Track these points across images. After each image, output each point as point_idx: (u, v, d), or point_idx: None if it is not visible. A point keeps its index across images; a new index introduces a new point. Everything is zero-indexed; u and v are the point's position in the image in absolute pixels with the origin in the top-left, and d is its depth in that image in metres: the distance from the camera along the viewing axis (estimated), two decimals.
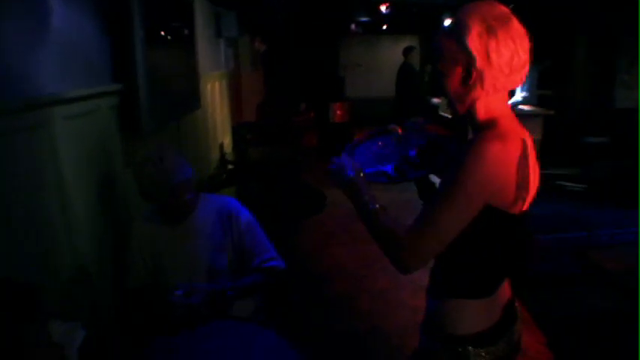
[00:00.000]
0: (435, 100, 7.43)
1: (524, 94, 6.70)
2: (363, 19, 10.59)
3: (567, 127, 7.23)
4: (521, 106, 6.49)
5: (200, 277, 2.04)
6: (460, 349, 1.36)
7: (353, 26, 11.28)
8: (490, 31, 1.23)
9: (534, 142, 1.33)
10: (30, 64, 1.81)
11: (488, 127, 1.29)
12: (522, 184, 1.24)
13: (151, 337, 1.86)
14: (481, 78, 1.27)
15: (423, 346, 1.49)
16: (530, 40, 1.29)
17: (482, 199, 1.22)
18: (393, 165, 1.67)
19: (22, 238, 1.70)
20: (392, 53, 12.66)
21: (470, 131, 1.37)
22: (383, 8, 7.90)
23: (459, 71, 1.29)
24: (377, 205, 1.36)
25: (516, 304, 1.51)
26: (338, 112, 9.46)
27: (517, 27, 1.27)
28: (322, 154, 8.61)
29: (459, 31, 1.26)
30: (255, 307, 2.23)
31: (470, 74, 1.27)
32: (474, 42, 1.24)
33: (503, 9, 1.28)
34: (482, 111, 1.31)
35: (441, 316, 1.41)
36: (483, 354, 1.36)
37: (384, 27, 11.46)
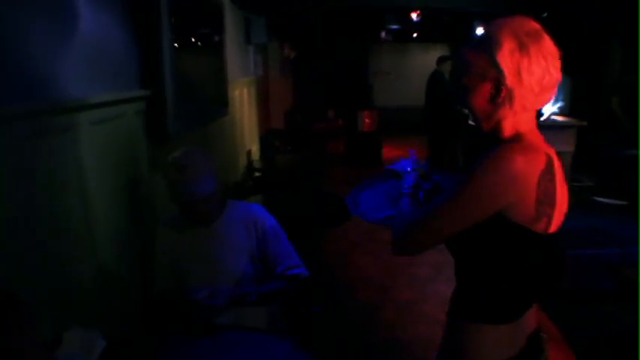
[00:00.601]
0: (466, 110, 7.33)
1: (560, 104, 6.56)
2: (394, 26, 10.54)
3: (601, 139, 7.05)
4: (554, 117, 6.34)
5: (223, 283, 2.03)
6: None
7: (383, 34, 11.24)
8: (522, 48, 1.19)
9: (566, 154, 1.28)
10: (57, 67, 1.82)
11: (512, 141, 1.25)
12: (545, 199, 1.18)
13: (169, 342, 1.85)
14: (510, 96, 1.23)
15: None
16: (561, 55, 1.25)
17: (489, 205, 1.17)
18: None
19: (45, 241, 1.70)
20: (422, 61, 12.56)
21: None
22: (414, 16, 7.85)
23: (487, 88, 1.24)
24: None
25: (543, 334, 1.41)
26: (366, 120, 9.42)
27: (549, 44, 1.22)
28: (349, 162, 8.57)
29: (489, 46, 1.22)
30: (272, 316, 2.20)
31: (499, 92, 1.23)
32: (504, 58, 1.20)
33: (536, 25, 1.24)
34: (508, 129, 1.27)
35: (460, 343, 1.33)
36: None
37: (415, 35, 11.38)
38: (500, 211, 1.18)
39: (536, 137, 1.27)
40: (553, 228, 1.24)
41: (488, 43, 1.22)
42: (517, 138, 1.25)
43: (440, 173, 1.93)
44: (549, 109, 6.52)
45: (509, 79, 1.21)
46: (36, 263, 1.64)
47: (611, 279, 3.62)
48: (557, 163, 1.24)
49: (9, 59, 1.54)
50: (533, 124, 1.29)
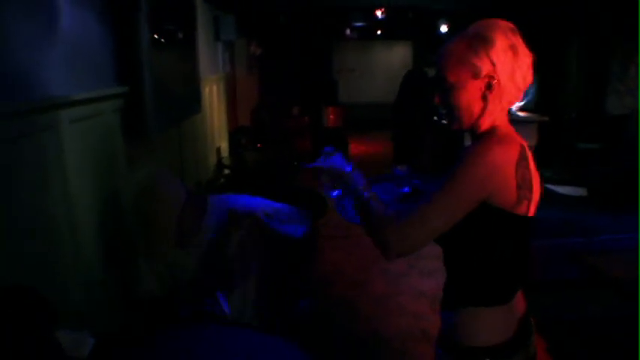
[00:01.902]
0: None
1: (527, 98, 6.75)
2: (358, 24, 10.62)
3: (562, 134, 7.31)
4: (517, 112, 6.53)
5: (213, 282, 2.02)
6: None
7: (348, 31, 11.30)
8: (513, 47, 1.27)
9: (530, 148, 1.35)
10: (37, 66, 1.80)
11: (488, 134, 1.32)
12: (523, 184, 1.26)
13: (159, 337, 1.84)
14: (501, 93, 1.29)
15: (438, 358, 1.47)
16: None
17: (477, 197, 1.24)
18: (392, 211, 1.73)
19: (28, 239, 1.68)
20: (386, 58, 12.73)
21: (465, 140, 1.38)
22: (379, 13, 7.92)
23: (478, 85, 1.29)
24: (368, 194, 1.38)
25: (531, 318, 1.49)
26: (331, 116, 9.48)
27: (524, 45, 1.30)
28: (317, 159, 8.60)
29: (484, 45, 1.26)
30: (261, 310, 2.21)
31: (491, 88, 1.28)
32: (499, 57, 1.26)
33: (515, 27, 1.31)
34: (487, 123, 1.33)
35: (457, 328, 1.38)
36: None
37: (379, 32, 11.49)
38: (484, 199, 1.24)
39: (508, 129, 1.34)
40: (532, 211, 1.32)
41: (483, 42, 1.27)
42: (492, 131, 1.32)
43: (420, 177, 2.01)
44: (517, 104, 6.72)
45: (504, 77, 1.27)
46: (19, 261, 1.61)
47: (576, 267, 3.75)
48: (528, 151, 1.32)
49: None
50: (506, 117, 1.36)
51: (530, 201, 1.29)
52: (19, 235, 1.62)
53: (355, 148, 9.66)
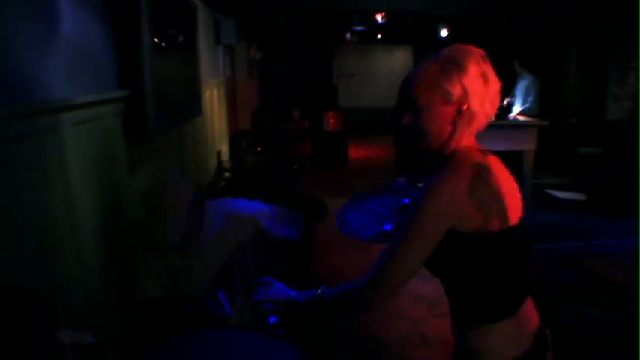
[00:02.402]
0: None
1: (528, 104, 6.76)
2: (359, 28, 10.65)
3: (561, 138, 7.33)
4: (517, 117, 6.55)
5: (214, 284, 2.04)
6: None
7: (348, 35, 11.33)
8: (484, 75, 1.30)
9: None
10: (39, 69, 1.81)
11: (447, 161, 1.33)
12: (482, 204, 1.26)
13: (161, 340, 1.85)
14: (470, 119, 1.31)
15: None
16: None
17: (441, 230, 1.26)
18: (392, 225, 1.75)
19: (30, 240, 1.69)
20: (386, 63, 12.77)
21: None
22: (379, 18, 7.93)
23: (448, 110, 1.30)
24: (317, 291, 1.47)
25: (547, 331, 1.47)
26: (331, 120, 9.50)
27: (494, 72, 1.33)
28: (317, 163, 8.62)
29: (457, 71, 1.28)
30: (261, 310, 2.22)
31: (461, 114, 1.30)
32: (471, 84, 1.28)
33: (486, 54, 1.33)
34: (453, 147, 1.34)
35: (469, 347, 1.38)
36: None
37: (379, 37, 11.52)
38: (451, 228, 1.27)
39: (468, 151, 1.35)
40: (513, 221, 1.31)
41: (457, 68, 1.28)
42: (451, 157, 1.34)
43: (420, 189, 2.03)
44: (517, 109, 6.74)
45: (475, 104, 1.30)
46: (20, 262, 1.63)
47: (574, 271, 3.77)
48: (493, 164, 1.33)
49: None
50: (473, 139, 1.38)
51: (501, 214, 1.29)
52: (21, 236, 1.63)
53: (355, 152, 9.67)
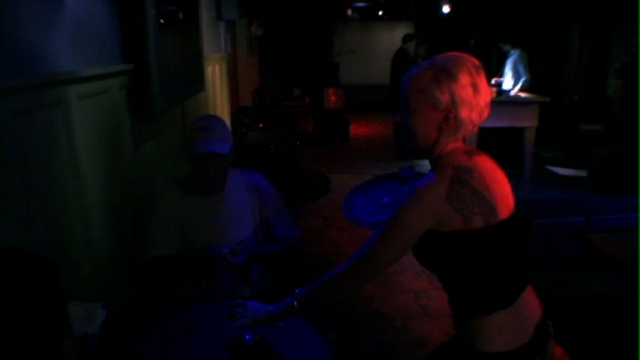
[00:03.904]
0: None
1: (524, 78, 6.74)
2: (360, 4, 10.55)
3: (563, 115, 7.31)
4: (518, 93, 6.52)
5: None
6: None
7: (349, 12, 11.22)
8: (474, 86, 1.31)
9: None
10: (46, 42, 1.81)
11: (433, 163, 1.38)
12: (464, 205, 1.28)
13: (172, 309, 1.88)
14: (457, 126, 1.34)
15: None
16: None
17: (416, 234, 1.31)
18: None
19: (39, 209, 1.71)
20: (387, 40, 12.68)
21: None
22: None
23: (436, 116, 1.34)
24: (293, 299, 1.56)
25: (550, 322, 1.48)
26: (332, 97, 9.48)
27: (486, 83, 1.35)
28: (318, 140, 8.62)
29: (448, 80, 1.30)
30: (266, 284, 2.26)
31: (448, 121, 1.33)
32: (460, 93, 1.30)
33: (479, 62, 1.36)
34: (439, 150, 1.38)
35: (470, 335, 1.39)
36: None
37: (380, 13, 11.41)
38: (430, 229, 1.30)
39: (452, 154, 1.37)
40: (502, 215, 1.33)
41: (447, 76, 1.30)
42: (436, 160, 1.38)
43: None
44: (513, 87, 6.71)
45: (463, 113, 1.32)
46: (31, 228, 1.65)
47: (575, 246, 3.80)
48: (481, 164, 1.35)
49: (1, 35, 1.53)
50: (459, 142, 1.40)
51: (485, 213, 1.30)
52: (30, 205, 1.65)
53: (356, 129, 9.66)
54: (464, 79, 1.30)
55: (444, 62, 1.33)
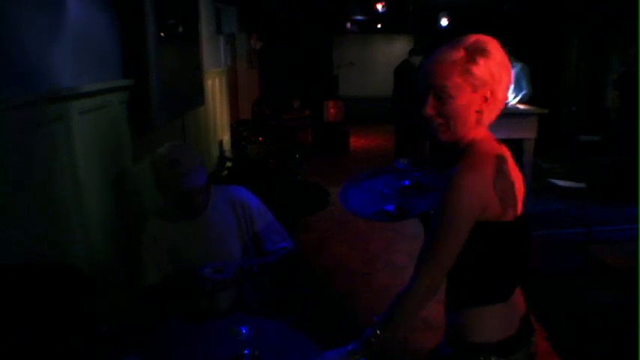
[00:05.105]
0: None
1: (525, 91, 6.77)
2: (359, 17, 10.62)
3: (562, 126, 7.33)
4: (517, 105, 6.54)
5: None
6: (482, 358, 1.37)
7: (348, 25, 11.30)
8: (505, 62, 1.29)
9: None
10: (48, 59, 1.83)
11: (466, 152, 1.33)
12: (504, 196, 1.28)
13: (168, 328, 1.88)
14: (495, 107, 1.32)
15: (448, 357, 1.48)
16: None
17: (469, 224, 1.27)
18: (394, 205, 1.77)
19: (40, 221, 1.72)
20: (386, 52, 12.73)
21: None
22: (379, 7, 7.92)
23: (475, 98, 1.29)
24: (375, 331, 1.40)
25: (532, 317, 1.52)
26: (332, 110, 9.51)
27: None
28: (318, 152, 8.64)
29: (485, 57, 1.26)
30: (266, 299, 2.26)
31: (487, 102, 1.30)
32: (497, 70, 1.27)
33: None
34: (471, 135, 1.34)
35: (462, 326, 1.41)
36: None
37: (379, 26, 11.48)
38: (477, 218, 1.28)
39: (487, 141, 1.35)
40: (519, 211, 1.35)
41: (481, 53, 1.27)
42: (470, 149, 1.33)
43: (421, 170, 2.05)
44: (513, 99, 6.74)
45: (500, 91, 1.30)
46: (33, 240, 1.66)
47: (576, 257, 3.80)
48: (508, 158, 1.34)
49: (4, 51, 1.54)
50: (487, 130, 1.38)
51: (515, 206, 1.32)
52: (32, 218, 1.66)
53: (356, 141, 9.68)
54: (498, 55, 1.27)
55: (473, 41, 1.28)
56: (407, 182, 1.95)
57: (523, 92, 6.77)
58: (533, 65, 6.83)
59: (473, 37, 1.29)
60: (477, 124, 1.32)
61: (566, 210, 4.50)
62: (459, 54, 1.27)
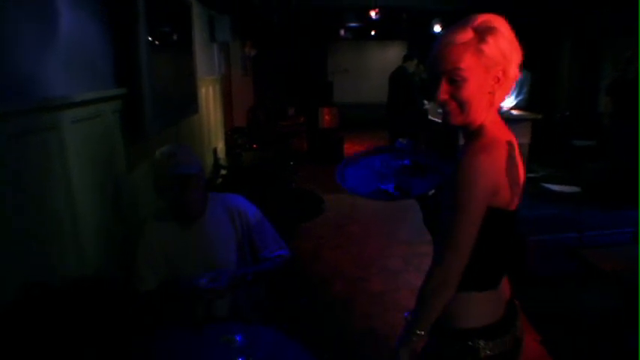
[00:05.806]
0: (426, 103, 7.53)
1: (521, 97, 6.80)
2: (353, 24, 10.66)
3: (555, 131, 7.36)
4: (510, 110, 6.57)
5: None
6: (470, 343, 1.38)
7: (342, 32, 11.34)
8: (513, 41, 1.28)
9: (523, 145, 1.36)
10: (40, 68, 1.83)
11: (477, 135, 1.32)
12: (513, 183, 1.29)
13: (163, 336, 1.88)
14: (507, 86, 1.30)
15: (433, 344, 1.48)
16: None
17: (483, 207, 1.26)
18: (393, 184, 1.76)
19: (32, 236, 1.71)
20: (380, 59, 12.78)
21: (460, 137, 1.38)
22: (373, 14, 7.96)
23: (487, 79, 1.27)
24: (415, 332, 1.38)
25: (515, 301, 1.54)
26: (326, 117, 9.51)
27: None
28: (313, 158, 8.65)
29: (495, 36, 1.24)
30: (261, 307, 2.26)
31: (499, 82, 1.28)
32: (507, 49, 1.26)
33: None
34: (482, 118, 1.32)
35: (450, 311, 1.41)
36: (491, 346, 1.39)
37: (373, 33, 11.54)
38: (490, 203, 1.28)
39: (497, 127, 1.34)
40: (520, 199, 1.36)
41: (491, 32, 1.25)
42: (481, 132, 1.32)
43: (421, 151, 2.03)
44: (510, 103, 6.77)
45: (511, 70, 1.28)
46: (24, 252, 1.65)
47: (571, 262, 3.81)
48: (515, 146, 1.34)
49: None
50: (497, 114, 1.36)
51: (520, 196, 1.34)
52: (24, 229, 1.65)
53: (351, 148, 9.68)
54: (508, 33, 1.26)
55: (482, 20, 1.26)
56: (406, 162, 1.92)
57: (520, 98, 6.80)
58: (525, 70, 6.87)
59: (479, 17, 1.27)
60: (489, 107, 1.31)
61: (560, 214, 4.50)
62: (468, 35, 1.25)
